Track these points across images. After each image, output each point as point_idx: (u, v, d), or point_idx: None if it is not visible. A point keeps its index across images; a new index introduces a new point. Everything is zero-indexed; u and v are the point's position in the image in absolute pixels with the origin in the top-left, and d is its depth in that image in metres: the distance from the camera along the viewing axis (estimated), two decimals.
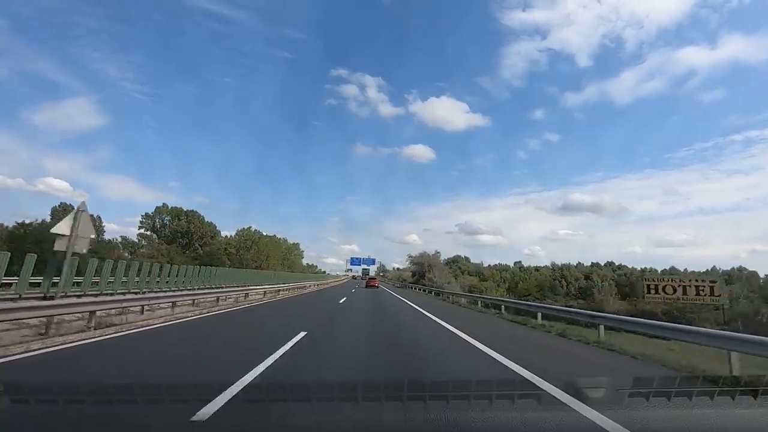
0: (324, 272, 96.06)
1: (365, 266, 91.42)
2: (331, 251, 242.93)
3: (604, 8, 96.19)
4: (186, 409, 3.00)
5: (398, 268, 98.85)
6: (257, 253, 60.83)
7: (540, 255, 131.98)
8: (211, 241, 60.75)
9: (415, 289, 45.09)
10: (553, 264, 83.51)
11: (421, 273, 55.52)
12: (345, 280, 72.30)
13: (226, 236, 64.92)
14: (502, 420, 2.88)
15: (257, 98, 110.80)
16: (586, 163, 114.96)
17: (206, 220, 62.94)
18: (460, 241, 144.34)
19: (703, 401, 3.09)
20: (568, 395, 3.63)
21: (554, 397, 3.78)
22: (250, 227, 66.39)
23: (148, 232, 58.57)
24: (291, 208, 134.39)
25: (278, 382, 4.29)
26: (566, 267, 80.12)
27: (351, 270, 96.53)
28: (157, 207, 62.07)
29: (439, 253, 62.46)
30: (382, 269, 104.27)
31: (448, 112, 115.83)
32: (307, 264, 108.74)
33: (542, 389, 4.09)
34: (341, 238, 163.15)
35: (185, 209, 61.64)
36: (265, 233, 68.04)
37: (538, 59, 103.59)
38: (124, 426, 2.83)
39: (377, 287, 44.36)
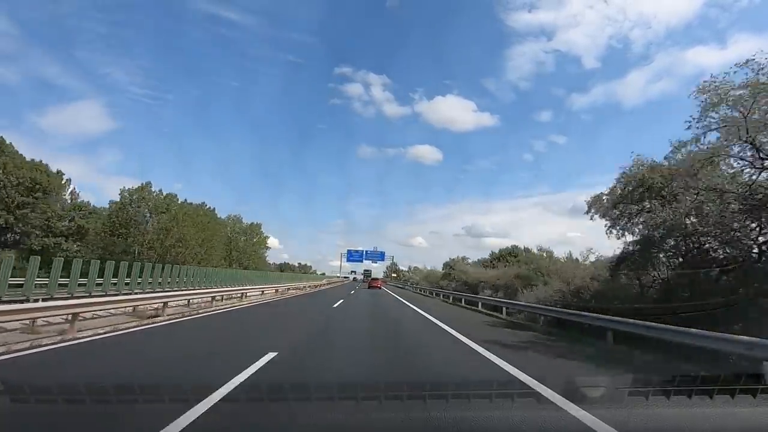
0: (323, 273, 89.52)
1: (369, 262, 70.10)
2: (336, 254, 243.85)
3: (611, 9, 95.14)
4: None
5: (417, 268, 69.91)
6: (164, 234, 35.28)
7: None
8: (36, 201, 33.49)
9: None
10: None
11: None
12: (329, 284, 51.15)
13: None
14: None
15: (262, 101, 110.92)
16: (594, 164, 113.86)
17: (45, 166, 34.47)
18: (467, 244, 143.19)
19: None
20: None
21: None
22: (148, 183, 37.34)
23: None
24: (295, 209, 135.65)
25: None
26: None
27: (354, 273, 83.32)
28: None
29: None
30: (394, 268, 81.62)
31: (455, 110, 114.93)
32: (300, 264, 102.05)
33: None
34: (346, 240, 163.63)
35: None
36: (188, 201, 41.40)
37: (544, 60, 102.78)
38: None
39: (379, 288, 41.68)
